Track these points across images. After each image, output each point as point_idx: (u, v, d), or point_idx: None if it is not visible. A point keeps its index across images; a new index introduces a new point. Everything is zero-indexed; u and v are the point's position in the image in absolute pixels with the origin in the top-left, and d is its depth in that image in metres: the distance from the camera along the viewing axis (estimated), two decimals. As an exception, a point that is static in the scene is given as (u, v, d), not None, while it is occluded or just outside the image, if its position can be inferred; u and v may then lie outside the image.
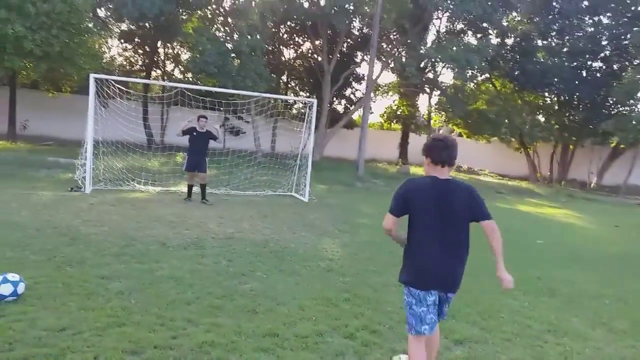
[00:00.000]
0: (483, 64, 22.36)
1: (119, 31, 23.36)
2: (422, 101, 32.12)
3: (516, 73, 25.35)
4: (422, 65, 25.05)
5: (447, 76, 64.00)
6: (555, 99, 27.86)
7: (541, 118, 28.25)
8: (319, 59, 23.69)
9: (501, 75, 26.91)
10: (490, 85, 28.07)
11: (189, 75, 24.18)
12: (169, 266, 5.69)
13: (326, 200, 12.61)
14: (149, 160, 15.47)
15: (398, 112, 30.59)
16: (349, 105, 27.96)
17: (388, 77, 44.26)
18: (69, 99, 21.75)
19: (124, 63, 25.64)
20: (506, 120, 24.65)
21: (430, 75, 27.49)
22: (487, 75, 26.71)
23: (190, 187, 10.63)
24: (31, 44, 14.17)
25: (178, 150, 17.21)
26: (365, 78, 22.96)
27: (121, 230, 7.25)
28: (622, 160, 25.77)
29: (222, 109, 17.44)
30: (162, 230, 7.53)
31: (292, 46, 26.74)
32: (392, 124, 32.62)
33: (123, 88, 12.31)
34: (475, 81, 26.88)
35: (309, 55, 26.53)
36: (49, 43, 14.73)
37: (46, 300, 4.34)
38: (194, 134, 10.30)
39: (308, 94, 27.02)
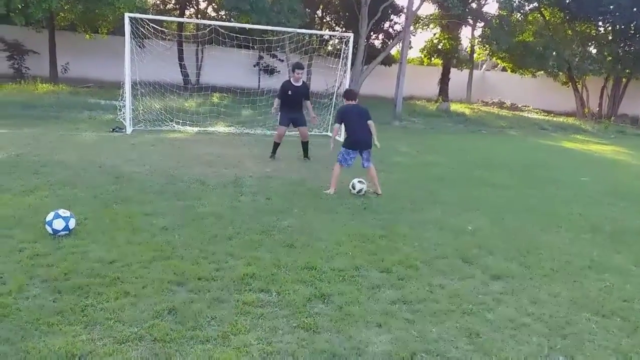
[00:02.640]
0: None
1: (151, -32, 22.95)
2: (465, 34, 30.60)
3: (567, 1, 23.57)
4: (465, -6, 23.66)
5: (491, 6, 60.58)
6: (610, 28, 25.92)
7: (593, 50, 26.47)
8: (356, -10, 22.67)
9: (551, 4, 25.09)
10: (539, 15, 26.30)
11: (222, 13, 23.78)
12: (209, 203, 5.85)
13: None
14: (186, 100, 15.61)
15: (439, 47, 29.24)
16: (387, 40, 26.95)
17: (429, 9, 42.14)
18: (106, 41, 21.84)
19: (157, 2, 25.37)
20: (554, 53, 23.21)
21: (474, 5, 25.96)
22: (536, 4, 24.97)
23: (276, 145, 9.02)
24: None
25: (214, 90, 17.29)
26: (405, 10, 21.94)
27: (162, 169, 7.46)
28: (679, 93, 24.15)
29: (256, 47, 17.18)
30: (201, 169, 7.70)
31: (327, -22, 25.66)
32: (433, 59, 31.34)
33: (158, 27, 12.23)
34: (522, 11, 25.18)
35: (345, -13, 25.42)
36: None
37: (95, 235, 4.57)
38: (289, 92, 8.69)
39: (344, 29, 26.15)
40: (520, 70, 26.65)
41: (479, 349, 3.13)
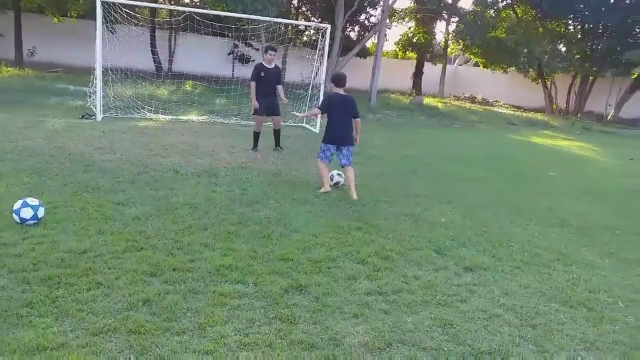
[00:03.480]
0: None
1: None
2: (439, 28, 30.76)
3: (539, -1, 24.06)
4: (440, -11, 23.87)
5: (466, 2, 61.24)
6: (579, 26, 26.60)
7: (562, 47, 27.12)
8: (332, -19, 22.57)
9: (523, 2, 25.57)
10: (512, 12, 26.76)
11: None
12: (184, 193, 5.77)
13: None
14: (158, 88, 15.31)
15: (414, 40, 29.46)
16: (363, 32, 26.99)
17: (405, 2, 42.30)
18: (75, 25, 21.18)
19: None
20: (525, 50, 23.66)
21: (449, 0, 26.20)
22: (509, 0, 25.39)
23: (257, 135, 8.88)
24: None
25: (187, 78, 17.00)
26: (381, 2, 21.98)
27: (134, 157, 7.30)
28: (642, 92, 25.00)
29: (231, 35, 16.94)
30: (174, 158, 7.57)
31: (303, -32, 25.47)
32: (407, 52, 31.55)
33: (130, 12, 11.91)
34: (495, 7, 25.61)
35: (322, -23, 25.29)
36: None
37: (65, 224, 4.45)
38: (262, 74, 8.50)
39: (320, 20, 26.04)
40: (492, 66, 27.08)
41: (453, 339, 3.19)
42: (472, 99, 27.91)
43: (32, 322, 2.90)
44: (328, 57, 21.28)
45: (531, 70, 26.41)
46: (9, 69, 16.57)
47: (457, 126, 18.06)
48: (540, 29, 26.23)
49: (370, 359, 2.91)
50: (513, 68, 26.57)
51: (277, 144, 9.13)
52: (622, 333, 3.48)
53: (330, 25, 12.94)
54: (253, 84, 8.56)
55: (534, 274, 4.41)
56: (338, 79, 6.47)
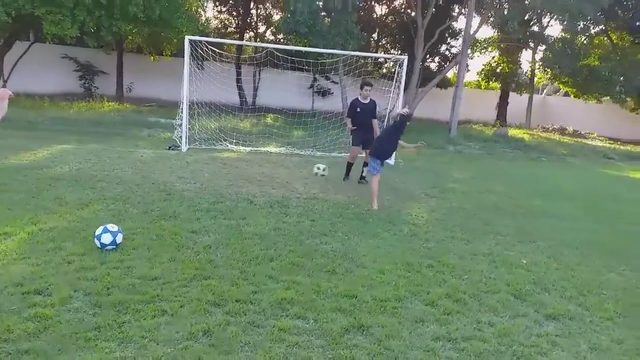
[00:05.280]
0: (598, 14, 20.00)
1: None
2: (525, 57, 29.50)
3: (638, 24, 22.41)
4: (526, 17, 23.00)
5: (554, 29, 58.81)
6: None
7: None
8: (412, 13, 22.63)
9: (619, 27, 23.95)
10: (605, 39, 25.16)
11: (280, 36, 24.37)
12: (255, 223, 5.84)
13: (414, 163, 12.21)
14: (241, 121, 15.96)
15: (497, 70, 28.54)
16: (443, 63, 26.61)
17: (487, 32, 41.35)
18: (169, 63, 22.89)
19: (219, 26, 26.39)
20: (621, 78, 21.99)
21: (536, 28, 25.19)
22: (602, 27, 23.91)
23: (349, 166, 9.05)
24: (135, 8, 14.99)
25: (268, 111, 17.62)
26: (462, 33, 21.61)
27: (212, 187, 7.57)
28: None
29: (309, 69, 17.39)
30: (250, 188, 7.75)
31: (384, 1, 25.79)
32: (490, 82, 30.60)
33: (217, 50, 12.62)
34: (587, 34, 24.21)
35: (402, 10, 25.44)
36: (151, 7, 15.51)
37: (141, 250, 4.64)
38: (358, 109, 8.71)
39: (400, 52, 26.09)
40: (585, 96, 25.45)
41: (529, 398, 2.86)
42: (562, 131, 26.27)
43: (98, 345, 3.00)
44: (407, 88, 21.20)
45: (629, 99, 24.48)
46: (110, 103, 18.16)
47: (545, 159, 17.01)
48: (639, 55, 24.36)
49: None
50: (607, 97, 24.81)
51: (363, 177, 9.05)
52: None
53: (407, 56, 12.86)
54: (349, 121, 8.87)
55: (629, 328, 3.90)
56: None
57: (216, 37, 21.31)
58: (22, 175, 7.11)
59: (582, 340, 3.62)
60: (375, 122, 8.90)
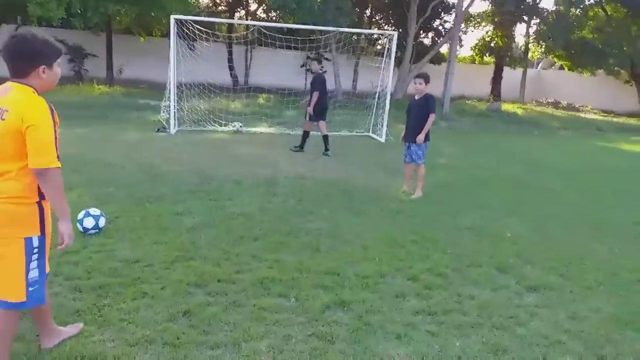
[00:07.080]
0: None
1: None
2: (519, 31, 29.31)
3: (633, -6, 22.15)
4: (519, -11, 22.72)
5: (548, 1, 58.10)
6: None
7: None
8: (404, -12, 22.28)
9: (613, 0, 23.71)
10: (600, 11, 24.87)
11: (272, 14, 24.01)
12: (241, 203, 5.83)
13: (406, 139, 12.18)
14: (233, 101, 15.82)
15: (491, 44, 28.26)
16: (436, 38, 26.35)
17: (481, 6, 40.80)
18: (159, 43, 22.52)
19: (209, 4, 25.95)
20: (615, 51, 21.79)
21: (529, 1, 24.89)
22: (597, -2, 23.69)
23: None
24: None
25: (261, 91, 17.46)
26: (455, 7, 21.34)
27: (200, 168, 7.53)
28: None
29: (302, 47, 17.19)
30: (237, 169, 7.72)
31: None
32: (485, 57, 30.33)
33: (204, 29, 12.41)
34: (581, 6, 23.94)
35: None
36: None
37: (124, 233, 4.63)
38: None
39: (393, 28, 25.77)
40: (579, 69, 25.29)
41: (504, 369, 2.90)
42: (556, 105, 26.19)
43: (76, 329, 3.00)
44: (400, 65, 21.02)
45: (623, 71, 24.35)
46: (99, 86, 17.95)
47: (537, 133, 16.99)
48: (635, 27, 24.14)
49: (408, 386, 2.70)
50: (602, 70, 24.68)
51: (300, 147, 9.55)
52: None
53: (396, 32, 12.71)
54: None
55: (608, 296, 3.94)
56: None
57: (207, 16, 20.98)
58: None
59: (561, 310, 3.65)
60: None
